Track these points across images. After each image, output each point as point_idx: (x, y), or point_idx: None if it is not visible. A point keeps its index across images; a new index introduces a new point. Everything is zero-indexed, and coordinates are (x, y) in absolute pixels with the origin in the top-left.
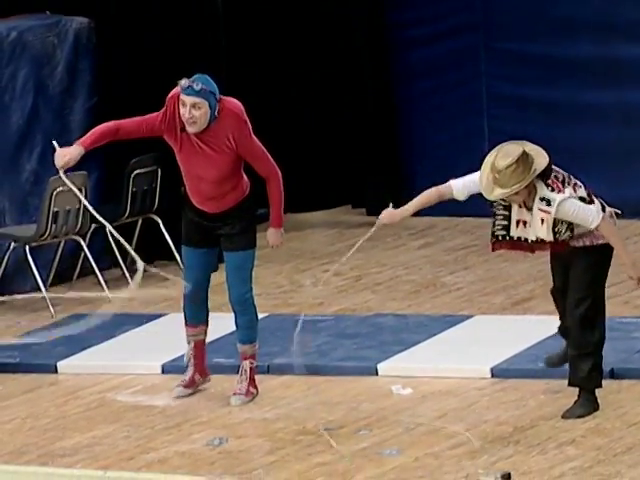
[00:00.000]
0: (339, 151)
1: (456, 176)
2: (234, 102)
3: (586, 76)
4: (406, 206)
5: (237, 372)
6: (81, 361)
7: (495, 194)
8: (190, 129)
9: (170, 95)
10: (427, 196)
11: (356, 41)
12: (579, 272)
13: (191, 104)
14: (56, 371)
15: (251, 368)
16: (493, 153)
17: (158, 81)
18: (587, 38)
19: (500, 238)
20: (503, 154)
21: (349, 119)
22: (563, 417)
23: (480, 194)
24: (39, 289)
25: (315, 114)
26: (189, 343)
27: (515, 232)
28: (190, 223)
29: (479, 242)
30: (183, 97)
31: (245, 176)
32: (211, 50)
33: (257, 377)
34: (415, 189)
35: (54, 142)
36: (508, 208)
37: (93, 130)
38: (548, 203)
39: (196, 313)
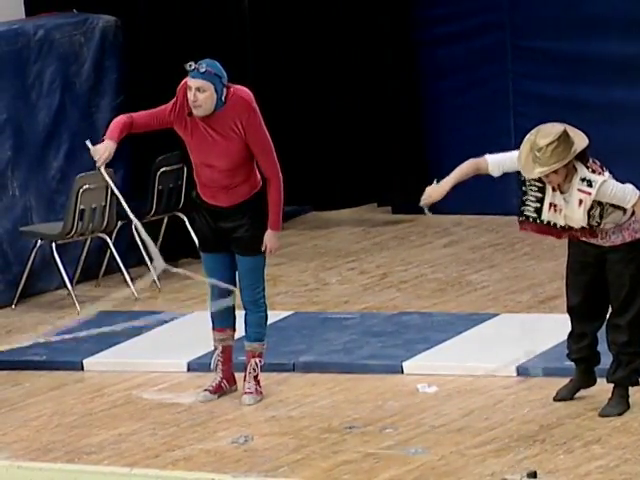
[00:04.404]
0: (365, 149)
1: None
2: (244, 90)
3: (613, 74)
4: (445, 180)
5: (262, 370)
6: (107, 358)
7: (535, 172)
8: (195, 112)
9: (180, 85)
10: (465, 168)
11: (383, 39)
12: (619, 273)
13: (196, 87)
14: (82, 368)
15: (258, 366)
16: (533, 132)
17: (184, 79)
18: (614, 36)
19: (531, 220)
20: (544, 133)
21: (375, 117)
22: (600, 415)
23: (515, 174)
24: (65, 286)
25: (341, 112)
26: (216, 348)
27: (546, 216)
28: (204, 227)
29: (505, 240)
30: (189, 80)
31: (258, 172)
32: (237, 48)
33: (282, 375)
34: None
35: (87, 142)
36: (542, 190)
37: (113, 123)
38: (589, 184)
39: (223, 317)
